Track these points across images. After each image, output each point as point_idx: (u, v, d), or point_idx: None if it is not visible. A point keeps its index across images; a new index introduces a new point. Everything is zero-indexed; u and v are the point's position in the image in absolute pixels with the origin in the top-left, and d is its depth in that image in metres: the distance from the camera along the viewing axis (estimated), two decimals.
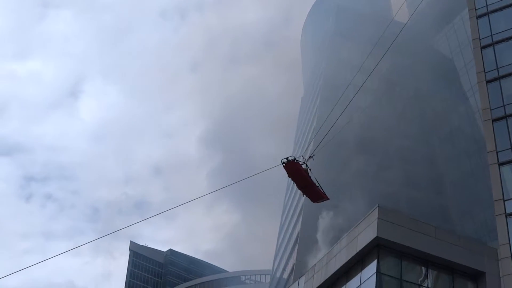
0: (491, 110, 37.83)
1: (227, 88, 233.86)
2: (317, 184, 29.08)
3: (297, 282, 38.77)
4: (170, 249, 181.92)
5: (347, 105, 35.44)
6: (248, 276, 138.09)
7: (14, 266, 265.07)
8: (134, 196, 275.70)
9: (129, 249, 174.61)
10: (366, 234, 31.37)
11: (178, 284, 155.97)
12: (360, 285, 31.25)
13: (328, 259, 34.49)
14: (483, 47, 41.50)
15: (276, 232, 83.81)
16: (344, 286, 32.75)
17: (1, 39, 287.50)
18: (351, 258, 32.04)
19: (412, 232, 31.61)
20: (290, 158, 28.35)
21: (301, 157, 28.87)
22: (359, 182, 64.30)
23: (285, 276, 64.02)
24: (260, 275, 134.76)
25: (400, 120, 75.77)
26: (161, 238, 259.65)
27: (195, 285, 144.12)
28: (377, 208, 31.52)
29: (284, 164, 28.38)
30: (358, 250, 31.59)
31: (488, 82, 39.46)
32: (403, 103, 78.79)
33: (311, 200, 30.53)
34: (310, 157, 29.18)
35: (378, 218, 30.99)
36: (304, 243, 58.59)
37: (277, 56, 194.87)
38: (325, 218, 57.91)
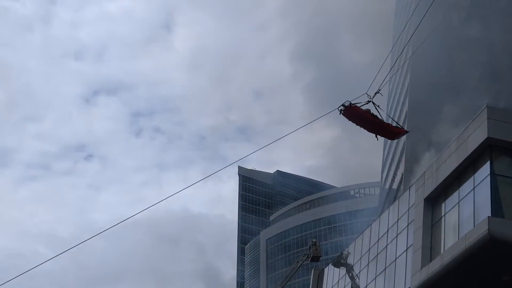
0: None
1: None
2: (389, 122, 26.76)
3: (407, 191, 38.14)
4: (277, 170, 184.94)
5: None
6: (357, 190, 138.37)
7: (134, 198, 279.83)
8: (237, 122, 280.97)
9: (238, 174, 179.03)
10: (476, 135, 30.04)
11: (288, 204, 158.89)
12: (473, 189, 30.26)
13: (437, 165, 33.52)
14: None
15: (380, 142, 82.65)
16: (457, 191, 31.85)
17: None
18: (462, 162, 30.90)
19: None
20: (346, 104, 25.48)
21: (366, 94, 26.38)
22: (463, 82, 61.66)
23: (395, 186, 63.42)
24: (369, 187, 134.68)
25: (504, 15, 71.27)
26: (267, 159, 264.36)
27: (305, 203, 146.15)
28: (486, 108, 29.99)
29: (341, 112, 25.76)
30: (469, 153, 30.36)
31: None
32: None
33: (389, 138, 28.28)
34: (376, 92, 26.15)
35: (487, 118, 29.50)
36: (411, 151, 57.48)
37: None
38: (431, 123, 56.29)
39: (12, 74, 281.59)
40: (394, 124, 28.02)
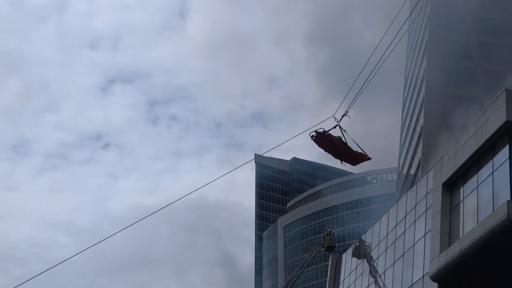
0: None
1: None
2: (355, 148, 26.77)
3: (425, 176, 37.84)
4: (294, 157, 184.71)
5: None
6: (374, 176, 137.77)
7: (152, 186, 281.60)
8: (253, 108, 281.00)
9: (255, 161, 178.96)
10: (494, 119, 29.63)
11: (306, 191, 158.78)
12: (492, 173, 29.92)
13: (456, 149, 33.18)
14: None
15: (395, 125, 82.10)
16: (476, 175, 31.53)
17: None
18: (481, 146, 30.53)
19: None
20: (319, 131, 25.78)
21: (333, 117, 26.35)
22: (482, 67, 61.00)
23: (412, 172, 63.03)
24: (386, 173, 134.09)
25: None
26: (282, 146, 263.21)
27: (322, 189, 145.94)
28: (504, 91, 29.56)
29: (313, 138, 25.90)
30: (487, 137, 29.99)
31: None
32: None
33: (351, 164, 28.49)
34: (343, 115, 26.44)
35: (506, 101, 29.07)
36: (428, 136, 57.04)
37: None
38: (448, 108, 55.79)
39: (28, 64, 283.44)
40: (358, 150, 27.94)
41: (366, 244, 46.85)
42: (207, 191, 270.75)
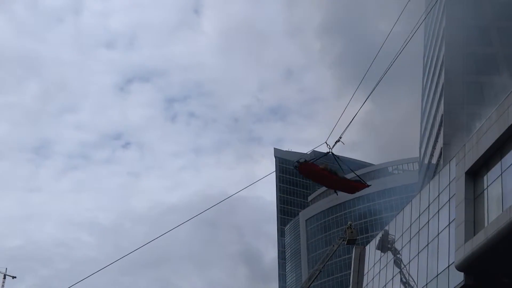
0: None
1: None
2: (350, 175, 25.60)
3: (447, 165, 37.40)
4: (314, 150, 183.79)
5: None
6: (395, 166, 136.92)
7: (173, 183, 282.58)
8: (270, 102, 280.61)
9: (274, 155, 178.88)
10: None
11: None
12: None
13: (478, 137, 32.70)
14: None
15: (414, 114, 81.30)
16: (499, 163, 31.05)
17: None
18: (504, 132, 30.06)
19: None
20: (301, 160, 24.14)
21: (325, 143, 24.99)
22: (502, 52, 60.14)
23: (434, 161, 62.43)
24: (407, 163, 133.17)
25: None
26: (301, 138, 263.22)
27: None
28: None
29: (296, 168, 24.30)
30: (510, 123, 29.52)
31: None
32: None
33: (348, 193, 27.21)
34: (337, 141, 24.99)
35: None
36: (449, 124, 56.40)
37: None
38: (469, 94, 55.11)
39: (45, 66, 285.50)
40: (352, 176, 26.94)
41: (390, 235, 46.47)
42: (228, 187, 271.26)
